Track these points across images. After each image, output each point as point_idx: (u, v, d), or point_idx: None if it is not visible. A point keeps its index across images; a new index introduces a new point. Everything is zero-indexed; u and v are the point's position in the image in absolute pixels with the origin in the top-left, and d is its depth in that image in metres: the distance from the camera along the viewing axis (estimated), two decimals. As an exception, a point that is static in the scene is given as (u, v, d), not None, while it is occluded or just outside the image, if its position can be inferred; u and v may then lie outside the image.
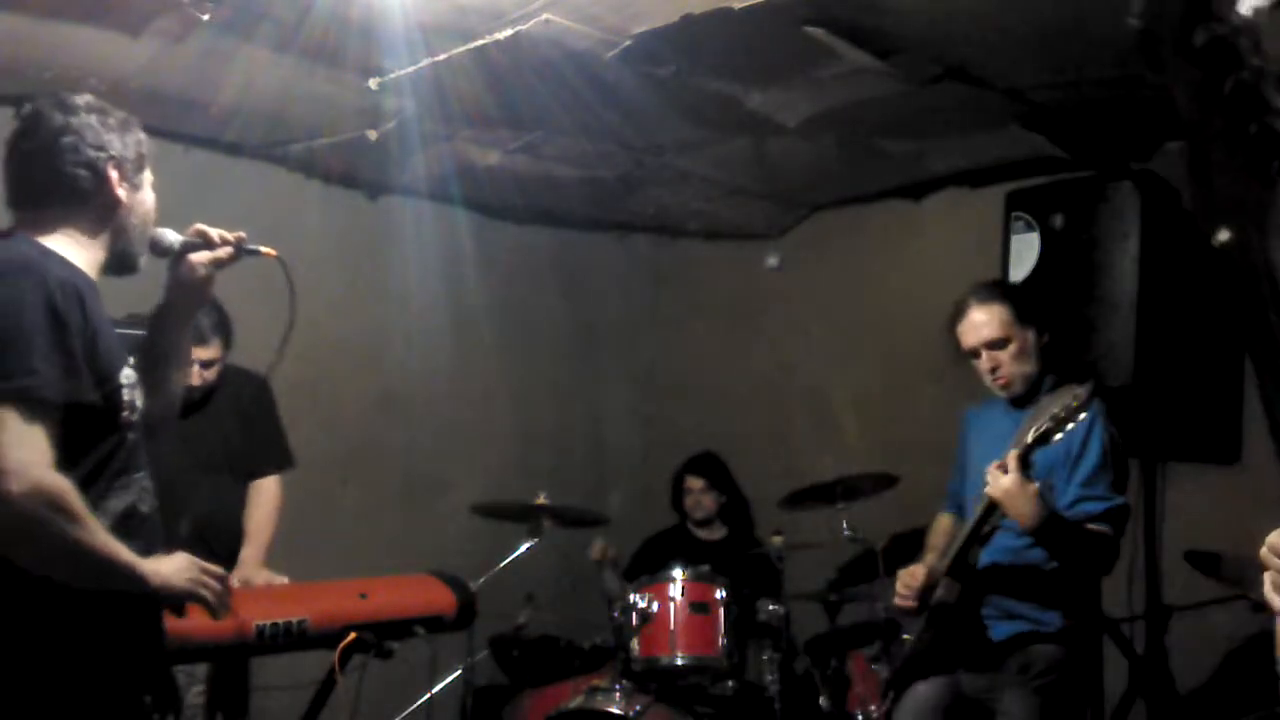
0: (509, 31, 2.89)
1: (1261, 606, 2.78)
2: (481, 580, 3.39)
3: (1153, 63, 0.97)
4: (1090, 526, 2.62)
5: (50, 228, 1.86)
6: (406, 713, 3.63)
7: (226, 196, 3.98)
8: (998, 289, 2.94)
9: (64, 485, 1.66)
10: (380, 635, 2.49)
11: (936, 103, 3.46)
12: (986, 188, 4.24)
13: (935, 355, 4.56)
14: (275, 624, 2.38)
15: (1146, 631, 3.19)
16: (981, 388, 2.93)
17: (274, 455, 3.28)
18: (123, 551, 1.74)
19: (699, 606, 3.53)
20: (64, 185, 1.85)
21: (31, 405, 1.65)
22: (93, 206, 1.89)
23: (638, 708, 3.26)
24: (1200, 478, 3.71)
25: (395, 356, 4.54)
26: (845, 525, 3.73)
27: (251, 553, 3.10)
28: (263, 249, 2.19)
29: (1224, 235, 0.99)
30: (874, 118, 3.67)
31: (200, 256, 2.06)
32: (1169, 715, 3.27)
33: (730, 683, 3.57)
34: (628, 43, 2.99)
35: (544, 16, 2.82)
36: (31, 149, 1.86)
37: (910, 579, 2.83)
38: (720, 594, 3.56)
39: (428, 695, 3.36)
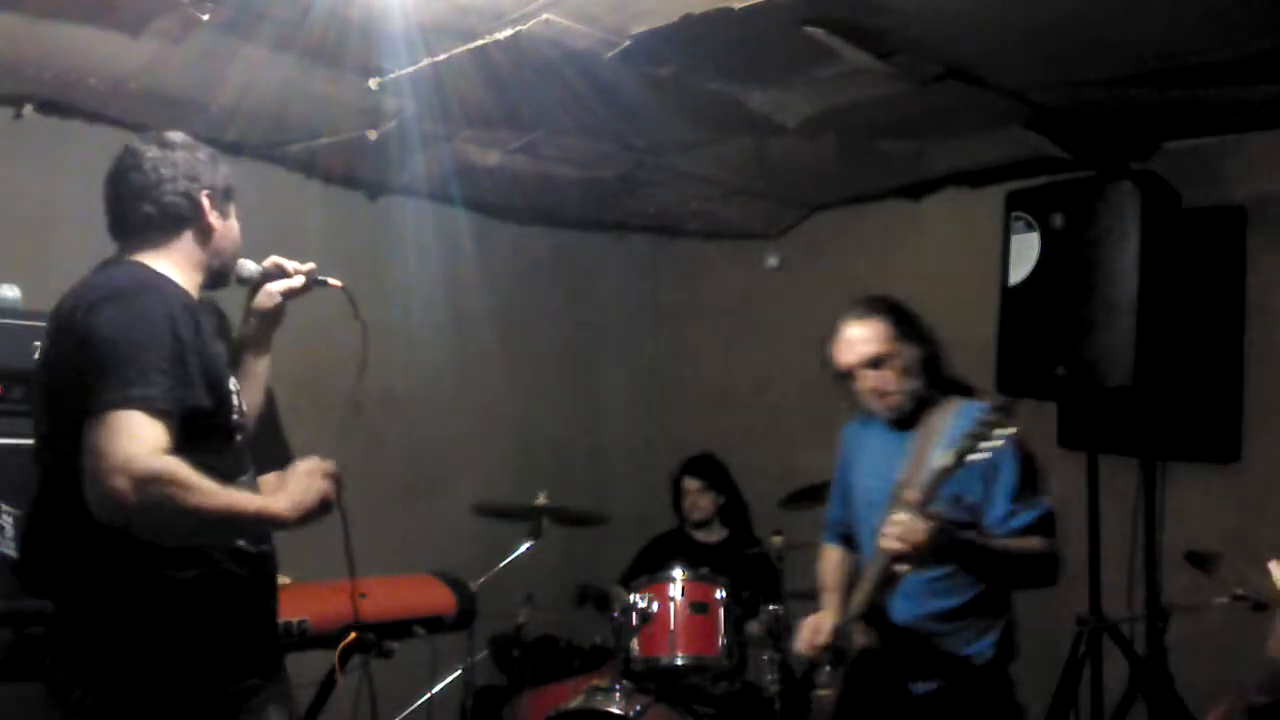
0: (509, 31, 2.89)
1: (1262, 606, 2.79)
2: (481, 580, 3.39)
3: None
4: (1026, 541, 2.51)
5: (156, 254, 2.04)
6: (406, 713, 3.63)
7: (226, 196, 4.00)
8: (877, 304, 2.72)
9: (170, 463, 1.77)
10: (380, 635, 2.49)
11: (936, 103, 3.46)
12: (986, 188, 4.24)
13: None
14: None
15: (1146, 631, 3.19)
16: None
17: (276, 456, 3.29)
18: (250, 503, 1.91)
19: (699, 606, 3.53)
20: (166, 215, 2.04)
21: (148, 412, 1.78)
22: (191, 234, 2.08)
23: (638, 708, 3.26)
24: (1200, 478, 3.71)
25: (395, 356, 4.53)
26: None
27: None
28: (330, 280, 2.40)
29: None
30: (874, 118, 3.67)
31: (275, 286, 2.26)
32: (1169, 715, 3.27)
33: (730, 683, 3.57)
34: (628, 43, 2.99)
35: (544, 16, 2.82)
36: (135, 184, 2.05)
37: (816, 629, 2.64)
38: (720, 594, 3.56)
39: (428, 695, 3.37)
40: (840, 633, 2.61)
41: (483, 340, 4.79)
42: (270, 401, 3.30)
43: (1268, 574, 2.45)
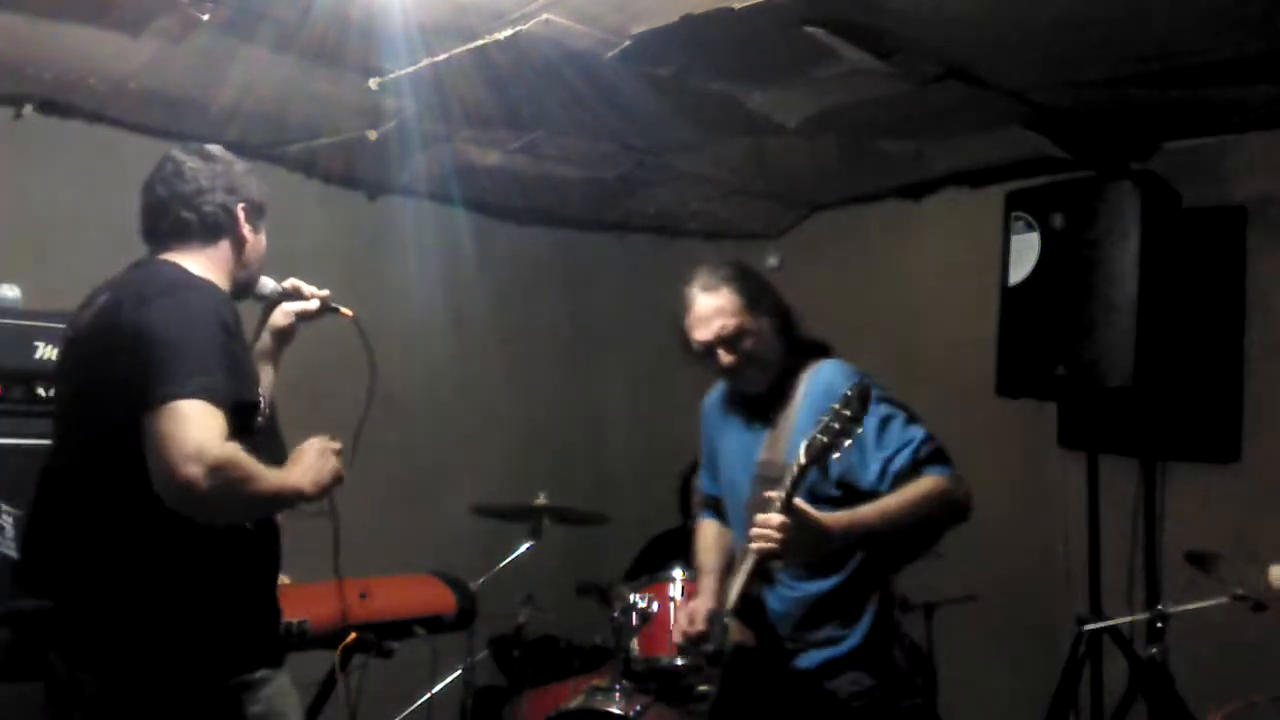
0: (509, 31, 2.89)
1: (1262, 606, 2.79)
2: (481, 580, 3.39)
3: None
4: (914, 487, 2.24)
5: (191, 258, 2.10)
6: (406, 713, 3.63)
7: (226, 196, 4.00)
8: (725, 272, 2.50)
9: (233, 450, 1.84)
10: (380, 635, 2.50)
11: (936, 103, 3.46)
12: (986, 188, 4.25)
13: (935, 355, 4.58)
14: (275, 624, 2.38)
15: (1146, 631, 3.19)
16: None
17: (276, 463, 3.30)
18: (288, 480, 1.98)
19: (699, 606, 3.53)
20: (205, 223, 2.12)
21: (212, 402, 1.84)
22: (225, 243, 2.16)
23: (638, 708, 3.26)
24: (1200, 478, 3.71)
25: (395, 356, 4.53)
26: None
27: None
28: (342, 309, 2.47)
29: None
30: (874, 118, 3.67)
31: (291, 306, 2.36)
32: (1169, 715, 3.27)
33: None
34: (628, 43, 2.99)
35: (544, 16, 2.82)
36: (176, 190, 2.11)
37: (691, 616, 2.49)
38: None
39: (428, 695, 3.37)
40: (714, 622, 2.46)
41: (483, 340, 4.79)
42: (271, 412, 3.31)
43: (1265, 574, 2.45)
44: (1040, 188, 3.62)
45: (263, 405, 2.15)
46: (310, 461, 2.05)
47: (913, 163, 4.27)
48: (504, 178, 4.32)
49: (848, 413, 2.08)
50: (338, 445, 2.13)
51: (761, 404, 2.48)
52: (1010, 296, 3.60)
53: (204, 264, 2.12)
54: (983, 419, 4.25)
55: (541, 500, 3.72)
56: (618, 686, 3.34)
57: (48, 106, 3.56)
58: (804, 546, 2.15)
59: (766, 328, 2.44)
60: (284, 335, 2.38)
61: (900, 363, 4.67)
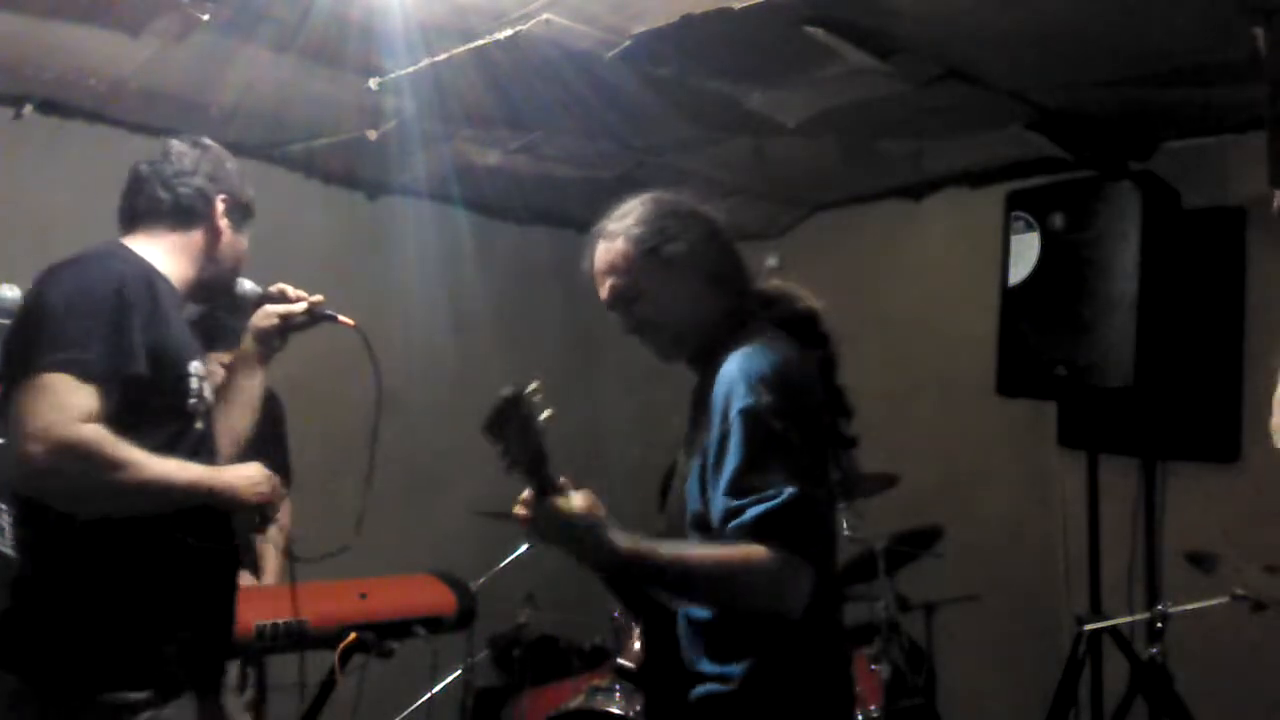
0: (509, 31, 2.89)
1: (1262, 606, 2.79)
2: (481, 580, 3.39)
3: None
4: (730, 551, 1.66)
5: (150, 240, 2.02)
6: (406, 713, 3.63)
7: (226, 196, 4.00)
8: (636, 213, 1.97)
9: (92, 433, 1.71)
10: (380, 635, 2.49)
11: (936, 103, 3.46)
12: (986, 188, 4.25)
13: (935, 355, 4.58)
14: (275, 624, 2.39)
15: (1146, 631, 3.19)
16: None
17: (279, 469, 3.30)
18: (182, 472, 1.83)
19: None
20: (178, 205, 2.03)
21: (79, 376, 1.72)
22: (196, 233, 2.06)
23: (638, 708, 3.26)
24: (1200, 478, 3.71)
25: (395, 356, 4.53)
26: (845, 525, 3.72)
27: (274, 563, 3.13)
28: (341, 317, 2.39)
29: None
30: (874, 118, 3.67)
31: (275, 308, 2.24)
32: (1169, 715, 3.27)
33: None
34: (628, 43, 2.99)
35: (544, 16, 2.82)
36: (156, 170, 2.05)
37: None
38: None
39: (428, 695, 3.36)
40: None
41: (483, 340, 4.79)
42: (282, 420, 3.31)
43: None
44: (1040, 188, 3.62)
45: (195, 389, 1.96)
46: (240, 471, 1.97)
47: (913, 163, 4.27)
48: (504, 178, 4.32)
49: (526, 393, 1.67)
50: (275, 481, 2.03)
51: (697, 388, 1.93)
52: (1010, 296, 3.60)
53: (166, 249, 2.02)
54: (983, 419, 4.25)
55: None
56: (618, 686, 3.34)
57: (48, 106, 3.55)
58: (545, 534, 1.72)
59: (671, 288, 1.89)
60: (266, 338, 2.22)
61: (900, 362, 4.68)
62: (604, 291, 1.98)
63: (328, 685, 2.54)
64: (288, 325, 2.25)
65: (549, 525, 1.70)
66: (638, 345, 2.00)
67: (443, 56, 3.08)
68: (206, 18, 2.86)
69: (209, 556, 1.94)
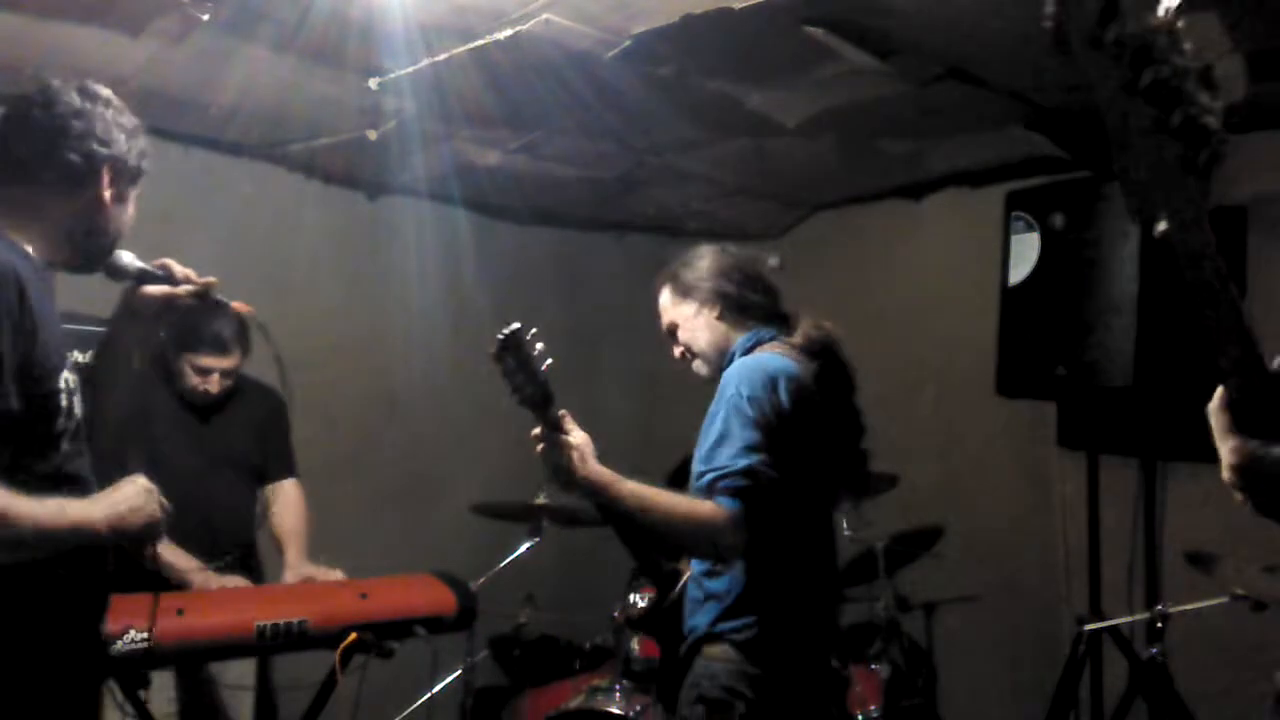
0: (509, 31, 2.89)
1: (1262, 606, 2.79)
2: (481, 580, 3.39)
3: (1068, 59, 0.99)
4: (686, 502, 2.09)
5: (20, 206, 1.75)
6: (406, 713, 3.63)
7: (226, 196, 3.99)
8: (671, 266, 2.42)
9: None
10: (380, 635, 2.49)
11: (936, 103, 3.46)
12: (986, 188, 4.25)
13: (935, 355, 4.58)
14: (275, 624, 2.38)
15: (1146, 631, 3.19)
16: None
17: (284, 465, 3.31)
18: (60, 517, 1.62)
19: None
20: (56, 167, 1.75)
21: None
22: (74, 198, 1.79)
23: (638, 708, 3.26)
24: (1200, 478, 3.71)
25: (395, 356, 4.54)
26: (845, 525, 3.72)
27: (295, 553, 3.12)
28: (235, 304, 2.15)
29: (1163, 225, 1.01)
30: (874, 118, 3.67)
31: (155, 290, 1.97)
32: (1169, 715, 3.27)
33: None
34: (628, 43, 2.99)
35: (544, 16, 2.82)
36: (36, 122, 1.76)
37: None
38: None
39: (428, 695, 3.36)
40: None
41: (483, 340, 4.76)
42: (286, 422, 3.31)
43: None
44: (1040, 188, 3.62)
45: (65, 408, 1.75)
46: (119, 497, 1.75)
47: (913, 163, 4.27)
48: (504, 178, 4.32)
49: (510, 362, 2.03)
50: (159, 498, 1.81)
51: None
52: (1010, 296, 3.60)
53: (31, 216, 1.75)
54: (983, 419, 4.26)
55: (541, 500, 3.72)
56: (618, 686, 3.34)
57: (48, 106, 3.55)
58: (550, 462, 2.08)
59: (696, 317, 2.36)
60: (143, 323, 2.00)
61: (900, 363, 4.68)
62: (664, 328, 2.45)
63: (328, 685, 2.53)
64: (169, 307, 1.99)
65: (549, 451, 2.06)
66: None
67: (443, 56, 3.08)
68: (206, 18, 2.86)
69: (79, 585, 1.77)
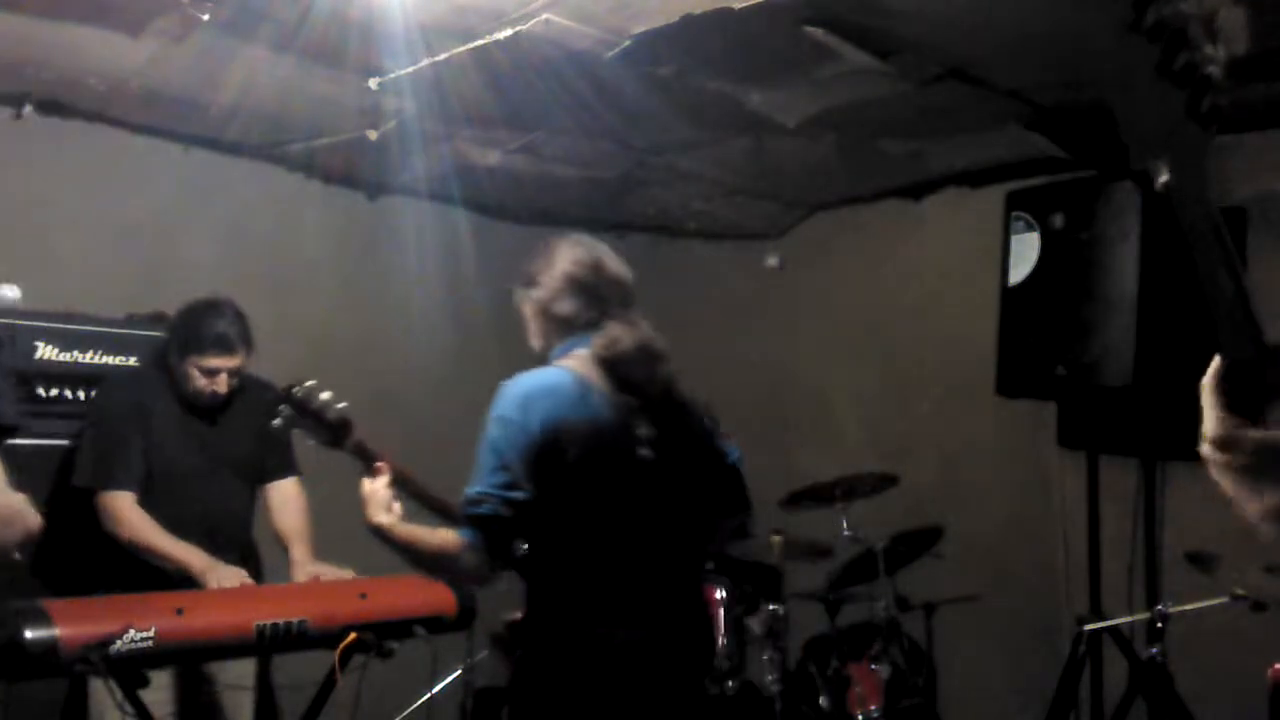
0: (509, 31, 2.89)
1: (1262, 606, 2.79)
2: (481, 580, 3.38)
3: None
4: (438, 535, 2.22)
5: None
6: (406, 713, 3.63)
7: (226, 196, 3.99)
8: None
9: None
10: (380, 635, 2.49)
11: (936, 103, 3.46)
12: (986, 188, 4.25)
13: (935, 355, 4.58)
14: (275, 624, 2.38)
15: (1146, 631, 3.19)
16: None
17: (285, 464, 3.30)
18: None
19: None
20: None
21: None
22: None
23: (638, 708, 3.25)
24: (1200, 478, 3.69)
25: (395, 356, 4.54)
26: (845, 525, 3.72)
27: (302, 551, 3.11)
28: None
29: (1164, 176, 1.00)
30: (874, 118, 3.67)
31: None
32: (1169, 715, 3.27)
33: (730, 683, 3.57)
34: (628, 43, 2.99)
35: (544, 16, 2.82)
36: None
37: None
38: (720, 594, 3.56)
39: (428, 695, 3.36)
40: None
41: (483, 340, 4.79)
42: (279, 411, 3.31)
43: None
44: (1040, 188, 3.62)
45: None
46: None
47: (913, 163, 4.27)
48: (504, 178, 4.32)
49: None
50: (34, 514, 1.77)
51: None
52: (1010, 296, 3.60)
53: None
54: (983, 419, 4.25)
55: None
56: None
57: (48, 106, 3.56)
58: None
59: (531, 321, 2.51)
60: None
61: (900, 363, 4.68)
62: None
63: (328, 685, 2.53)
64: None
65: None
66: None
67: (443, 56, 3.08)
68: (206, 18, 2.86)
69: None
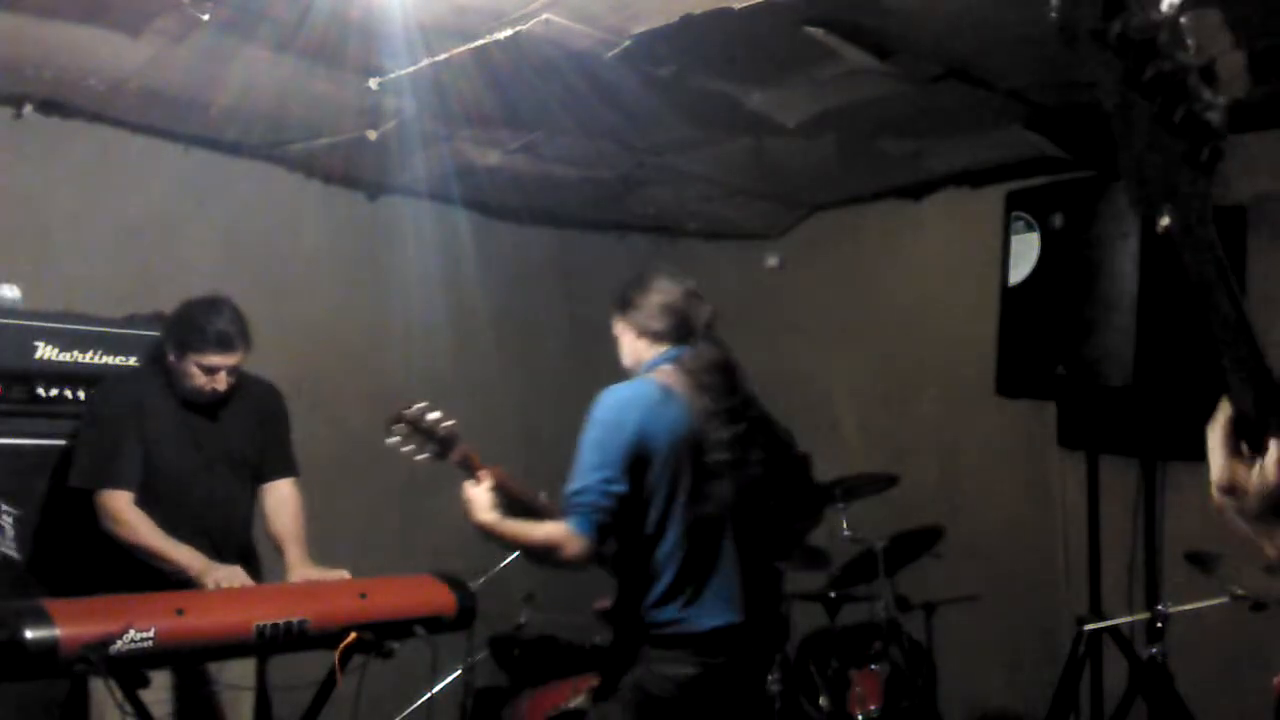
0: (509, 31, 2.89)
1: (1261, 606, 2.79)
2: (481, 580, 3.39)
3: (1073, 53, 0.99)
4: (540, 528, 2.51)
5: None
6: (406, 713, 3.63)
7: (226, 196, 4.00)
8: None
9: None
10: (380, 635, 2.49)
11: (936, 103, 3.46)
12: (986, 188, 4.25)
13: (935, 355, 4.58)
14: (275, 624, 2.38)
15: (1146, 631, 3.19)
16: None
17: (283, 463, 3.30)
18: None
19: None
20: None
21: None
22: None
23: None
24: (1200, 478, 3.68)
25: (395, 356, 4.54)
26: (845, 525, 3.72)
27: (296, 553, 3.11)
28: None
29: (1165, 220, 1.00)
30: (874, 118, 3.67)
31: None
32: (1169, 715, 3.27)
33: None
34: (628, 43, 2.99)
35: (544, 16, 2.82)
36: None
37: None
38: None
39: (428, 695, 3.36)
40: None
41: (483, 340, 4.79)
42: (284, 412, 3.31)
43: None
44: (1040, 188, 3.62)
45: None
46: None
47: (913, 163, 4.27)
48: (504, 178, 4.32)
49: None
50: None
51: None
52: (1010, 296, 3.60)
53: None
54: (983, 419, 4.26)
55: (543, 498, 3.72)
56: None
57: (48, 106, 3.56)
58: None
59: (622, 336, 2.77)
60: None
61: (900, 363, 4.68)
62: None
63: (328, 685, 2.53)
64: None
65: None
66: None
67: (443, 56, 3.08)
68: (206, 18, 2.86)
69: None
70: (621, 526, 2.43)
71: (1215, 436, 1.08)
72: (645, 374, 2.59)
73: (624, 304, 2.69)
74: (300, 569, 3.03)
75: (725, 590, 2.47)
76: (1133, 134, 0.99)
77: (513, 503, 2.66)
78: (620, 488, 2.38)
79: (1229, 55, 1.05)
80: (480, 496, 2.55)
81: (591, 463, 2.41)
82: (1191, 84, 0.96)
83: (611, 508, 2.38)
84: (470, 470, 2.62)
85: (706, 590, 2.46)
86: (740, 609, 2.47)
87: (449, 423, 2.67)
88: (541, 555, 2.48)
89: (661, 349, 2.61)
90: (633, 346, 2.68)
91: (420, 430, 2.66)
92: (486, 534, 2.53)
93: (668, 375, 2.53)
